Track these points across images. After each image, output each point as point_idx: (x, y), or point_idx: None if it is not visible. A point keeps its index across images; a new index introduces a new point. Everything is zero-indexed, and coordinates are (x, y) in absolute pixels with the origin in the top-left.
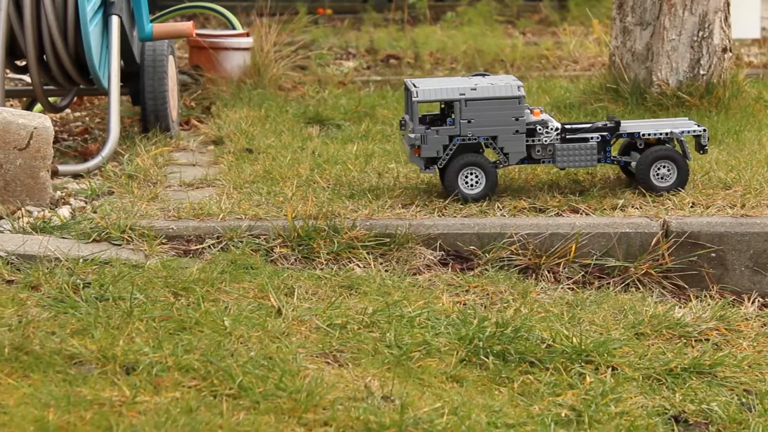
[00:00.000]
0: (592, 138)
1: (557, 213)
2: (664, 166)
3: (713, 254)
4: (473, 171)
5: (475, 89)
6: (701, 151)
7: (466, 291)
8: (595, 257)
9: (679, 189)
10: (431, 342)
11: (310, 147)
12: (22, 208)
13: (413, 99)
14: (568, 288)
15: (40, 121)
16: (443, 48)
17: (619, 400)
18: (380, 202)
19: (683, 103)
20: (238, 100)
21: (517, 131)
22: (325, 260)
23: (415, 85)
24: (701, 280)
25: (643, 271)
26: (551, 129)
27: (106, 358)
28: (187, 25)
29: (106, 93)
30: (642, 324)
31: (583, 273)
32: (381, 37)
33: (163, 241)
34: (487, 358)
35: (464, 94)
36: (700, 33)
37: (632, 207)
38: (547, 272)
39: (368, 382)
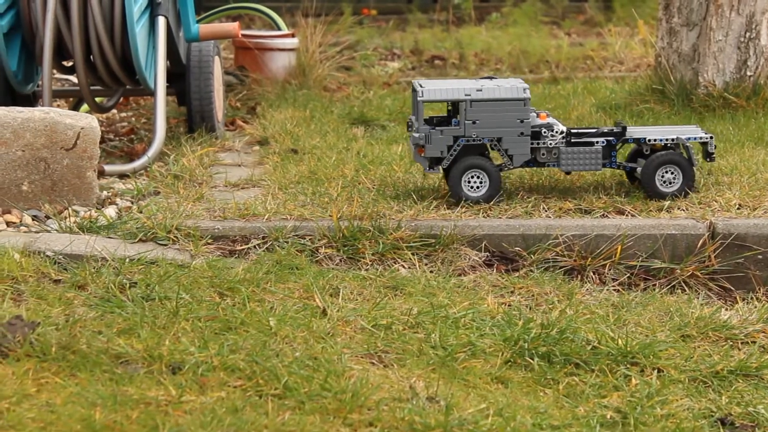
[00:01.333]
0: (597, 142)
1: (603, 214)
2: (669, 171)
3: (760, 256)
4: (477, 173)
5: (481, 90)
6: (708, 159)
7: (511, 292)
8: (640, 259)
9: (685, 194)
10: (476, 343)
11: (355, 148)
12: (69, 208)
13: (418, 99)
14: (614, 289)
15: (87, 121)
16: (488, 49)
17: (665, 402)
18: (425, 202)
19: (729, 105)
20: (283, 101)
21: (521, 133)
22: (370, 261)
23: (421, 86)
24: (748, 282)
25: (689, 273)
26: (556, 132)
27: (152, 357)
28: (233, 26)
29: (152, 93)
30: (688, 326)
31: (628, 275)
32: (426, 37)
33: (209, 241)
34: (532, 360)
35: (469, 95)
36: (747, 34)
37: (678, 209)
38: (592, 274)
39: (413, 383)
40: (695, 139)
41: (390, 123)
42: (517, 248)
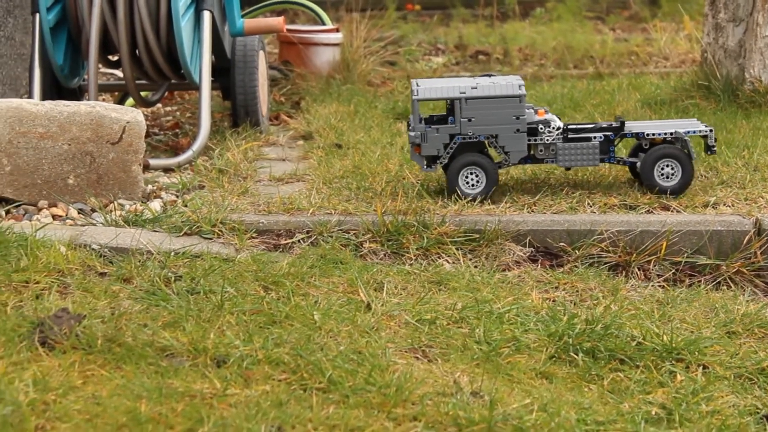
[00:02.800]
0: (594, 138)
1: (648, 210)
2: (668, 165)
3: None
4: (473, 171)
5: (476, 88)
6: (708, 152)
7: (556, 287)
8: (686, 255)
9: (684, 188)
10: (520, 338)
11: (399, 143)
12: (115, 202)
13: (413, 97)
14: (659, 286)
15: (132, 115)
16: (532, 44)
17: (710, 398)
18: (469, 197)
19: None
20: (328, 96)
21: (518, 130)
22: (415, 255)
23: (417, 85)
24: None
25: (734, 270)
26: (553, 128)
27: (198, 350)
28: (277, 21)
29: (197, 88)
30: (733, 323)
31: (673, 271)
32: (470, 32)
33: (254, 235)
34: (577, 355)
35: (464, 93)
36: None
37: (724, 205)
38: (637, 270)
39: (457, 378)
40: (695, 132)
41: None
42: (561, 244)
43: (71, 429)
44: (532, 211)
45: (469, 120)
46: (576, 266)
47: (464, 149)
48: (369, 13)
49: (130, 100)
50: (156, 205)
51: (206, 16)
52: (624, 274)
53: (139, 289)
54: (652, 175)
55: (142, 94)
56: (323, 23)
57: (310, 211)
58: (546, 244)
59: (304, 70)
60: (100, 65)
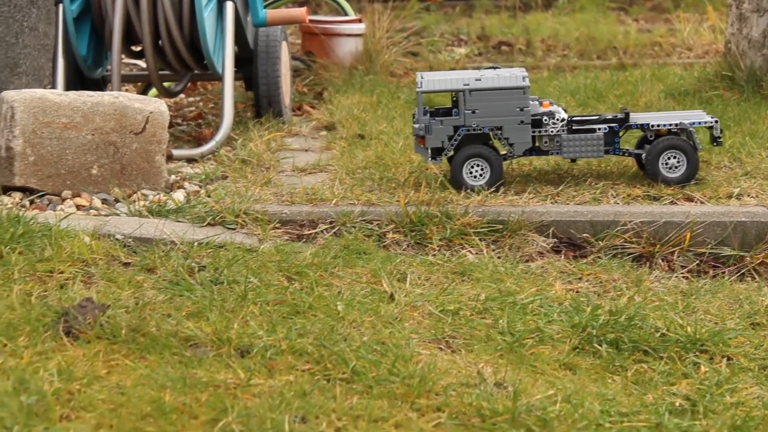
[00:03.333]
0: (599, 129)
1: (672, 201)
2: (673, 156)
3: None
4: (478, 162)
5: (480, 80)
6: (714, 143)
7: (579, 278)
8: (710, 246)
9: (689, 179)
10: (544, 329)
11: None
12: (138, 192)
13: (417, 89)
14: (683, 277)
15: (155, 105)
16: (555, 35)
17: (735, 390)
18: (492, 188)
19: None
20: (350, 86)
21: (522, 122)
22: (438, 246)
23: (422, 77)
24: None
25: (759, 261)
26: (558, 120)
27: (221, 340)
28: (300, 11)
29: (219, 78)
30: (758, 314)
31: (697, 262)
32: (492, 23)
33: (277, 225)
34: (601, 346)
35: (468, 85)
36: None
37: (748, 196)
38: (661, 261)
39: (481, 369)
40: (700, 123)
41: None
42: (585, 234)
43: (96, 418)
44: (556, 201)
45: (473, 112)
46: (599, 257)
47: (469, 141)
48: (391, 3)
49: (153, 91)
50: (179, 195)
51: (229, 6)
52: (648, 265)
53: (162, 279)
54: (657, 166)
55: (165, 84)
56: (346, 14)
57: (333, 202)
58: (569, 235)
59: (327, 60)
60: (123, 56)
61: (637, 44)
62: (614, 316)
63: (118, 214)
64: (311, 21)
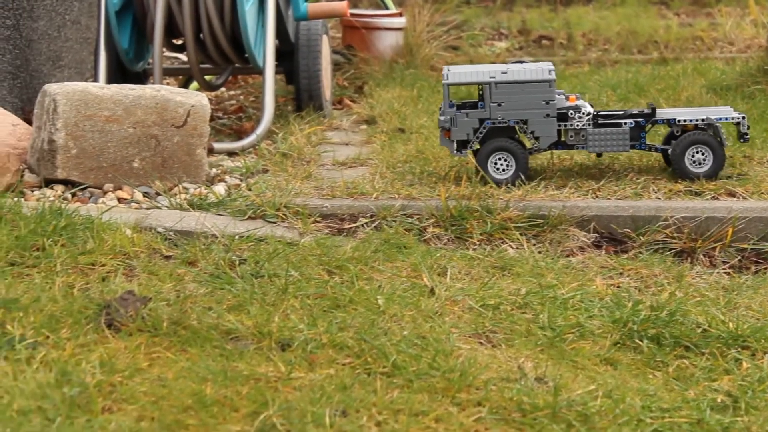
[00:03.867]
0: (625, 124)
1: (713, 196)
2: (699, 152)
3: None
4: (503, 156)
5: (506, 73)
6: (741, 140)
7: (620, 274)
8: (752, 242)
9: (715, 175)
10: (585, 324)
11: None
12: (179, 185)
13: (443, 82)
14: (724, 272)
15: (197, 99)
16: (596, 29)
17: None
18: (533, 183)
19: None
20: (391, 80)
21: (547, 115)
22: (478, 240)
23: (448, 69)
24: None
25: None
26: (583, 114)
27: (262, 334)
28: (341, 5)
29: (260, 72)
30: None
31: (739, 257)
32: (533, 17)
33: (317, 219)
34: (642, 342)
35: (494, 77)
36: None
37: None
38: (702, 256)
39: (521, 363)
40: (727, 119)
41: None
42: (626, 229)
43: (137, 410)
44: (597, 196)
45: (499, 105)
46: (640, 252)
47: (494, 134)
48: None
49: (194, 84)
50: (220, 188)
51: (270, 0)
52: (689, 260)
53: (203, 273)
54: (683, 161)
55: (206, 78)
56: (386, 8)
57: (374, 196)
58: (610, 230)
59: (367, 54)
60: (165, 49)
61: (678, 38)
62: (655, 311)
63: (159, 207)
64: (352, 15)
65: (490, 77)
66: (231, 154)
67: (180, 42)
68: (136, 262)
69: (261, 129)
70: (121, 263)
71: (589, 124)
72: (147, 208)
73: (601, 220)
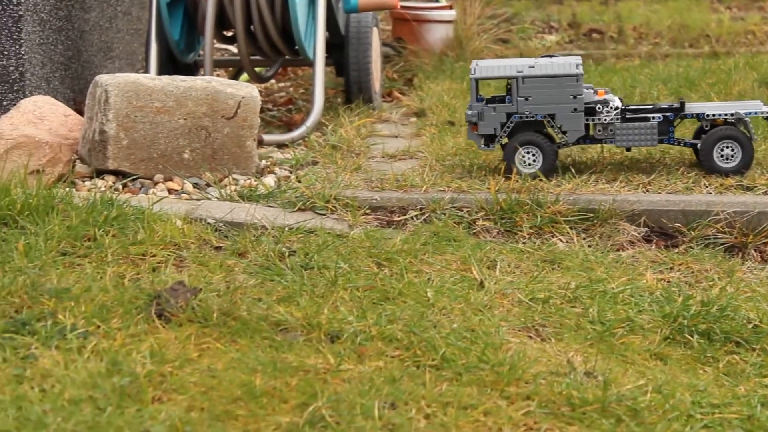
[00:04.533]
0: (653, 118)
1: (765, 191)
2: (728, 146)
3: None
4: (530, 150)
5: (534, 67)
6: None
7: (670, 268)
8: None
9: (744, 170)
10: (634, 319)
11: None
12: (229, 176)
13: (470, 76)
14: None
15: (247, 90)
16: (647, 22)
17: None
18: (583, 176)
19: None
20: (440, 73)
21: (575, 109)
22: (528, 234)
23: (476, 64)
24: None
25: None
26: (611, 108)
27: (311, 325)
28: None
29: (310, 64)
30: None
31: None
32: (583, 10)
33: (367, 211)
34: (692, 337)
35: (522, 72)
36: None
37: None
38: (753, 251)
39: (571, 358)
40: (756, 113)
41: None
42: (676, 224)
43: (187, 401)
44: (647, 190)
45: (526, 99)
46: (691, 247)
47: (522, 128)
48: None
49: (244, 76)
50: (270, 180)
51: None
52: (740, 255)
53: (253, 264)
54: (711, 156)
55: (256, 69)
56: (437, 0)
57: (423, 188)
58: (661, 225)
59: (417, 47)
60: (215, 41)
61: (730, 32)
62: (706, 306)
63: (209, 199)
64: (402, 7)
65: (518, 71)
66: (281, 146)
67: (231, 34)
68: (187, 253)
69: (311, 121)
70: (172, 254)
71: (617, 119)
72: (197, 200)
73: (652, 214)
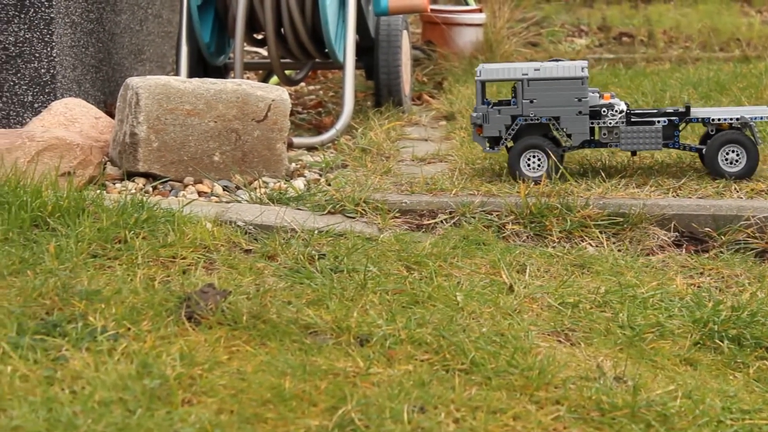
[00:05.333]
0: (658, 122)
1: None
2: (732, 151)
3: None
4: (535, 153)
5: (539, 70)
6: None
7: (701, 273)
8: None
9: (749, 175)
10: (664, 324)
11: None
12: (259, 179)
13: (476, 78)
14: None
15: (277, 93)
16: (677, 26)
17: None
18: (613, 180)
19: None
20: (470, 76)
21: (580, 112)
22: (557, 238)
23: (482, 67)
24: None
25: None
26: (616, 111)
27: (341, 329)
28: (422, 0)
29: (340, 67)
30: None
31: None
32: (613, 14)
33: (396, 214)
34: (722, 342)
35: (527, 74)
36: None
37: None
38: None
39: (600, 362)
40: (762, 118)
41: None
42: (707, 229)
43: (217, 403)
44: (677, 195)
45: (531, 101)
46: (721, 252)
47: (527, 131)
48: None
49: (274, 79)
50: (299, 183)
51: None
52: None
53: (283, 267)
54: (716, 160)
55: (286, 72)
56: (467, 3)
57: (453, 192)
58: (691, 229)
59: (447, 50)
60: (245, 43)
61: (761, 36)
62: (736, 311)
63: (239, 201)
64: (432, 10)
65: (523, 74)
66: (310, 148)
67: (261, 36)
68: (216, 256)
69: (341, 124)
70: (202, 256)
71: (622, 122)
72: (227, 202)
73: (682, 218)
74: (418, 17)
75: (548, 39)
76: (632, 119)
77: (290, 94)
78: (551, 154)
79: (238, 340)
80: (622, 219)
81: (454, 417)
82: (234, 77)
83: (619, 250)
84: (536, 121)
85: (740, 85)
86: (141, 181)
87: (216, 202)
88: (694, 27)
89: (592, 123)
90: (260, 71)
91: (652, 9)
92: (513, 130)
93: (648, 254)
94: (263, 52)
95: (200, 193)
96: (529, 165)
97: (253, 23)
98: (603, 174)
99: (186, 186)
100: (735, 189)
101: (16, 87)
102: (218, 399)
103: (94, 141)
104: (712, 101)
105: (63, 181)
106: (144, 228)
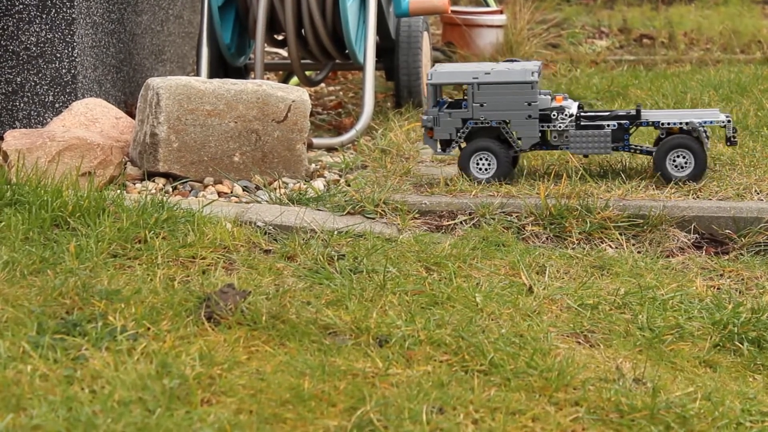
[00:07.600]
0: (607, 126)
1: None
2: (680, 155)
3: None
4: (485, 156)
5: (489, 73)
6: (728, 143)
7: (721, 275)
8: None
9: (696, 179)
10: (684, 326)
11: None
12: (279, 180)
13: (427, 81)
14: None
15: (298, 94)
16: (698, 28)
17: None
18: (633, 182)
19: None
20: None
21: (529, 116)
22: (577, 240)
23: (434, 69)
24: None
25: None
26: (566, 115)
27: (360, 329)
28: (442, 2)
29: (360, 68)
30: None
31: None
32: (634, 16)
33: (416, 215)
34: (742, 344)
35: (477, 78)
36: None
37: None
38: None
39: (619, 364)
40: (712, 122)
41: (597, 101)
42: (727, 231)
43: (236, 403)
44: (698, 197)
45: (482, 105)
46: (742, 254)
47: (478, 134)
48: None
49: (294, 79)
50: (319, 183)
51: None
52: None
53: (302, 267)
54: (664, 164)
55: (307, 73)
56: (487, 5)
57: (473, 193)
58: (711, 231)
59: (467, 51)
60: (266, 44)
61: None
62: (756, 314)
63: (259, 202)
64: (453, 12)
65: (473, 78)
66: (330, 149)
67: (281, 37)
68: (236, 256)
69: (360, 125)
70: (221, 256)
71: (571, 126)
72: (247, 203)
73: (702, 220)
74: (438, 18)
75: (569, 41)
76: (582, 123)
77: (310, 95)
78: (500, 157)
79: (257, 341)
80: (642, 221)
81: (473, 418)
82: (254, 78)
83: (638, 252)
84: (486, 125)
85: (761, 87)
86: (161, 181)
87: (236, 202)
88: (715, 29)
89: (543, 126)
90: (280, 72)
91: (673, 11)
92: (464, 132)
93: (668, 256)
94: (283, 52)
95: (220, 194)
96: (479, 167)
97: (273, 24)
98: (623, 175)
99: (206, 186)
100: (756, 191)
101: (38, 87)
102: (237, 399)
103: (114, 141)
104: (733, 103)
105: (83, 181)
106: (164, 228)
